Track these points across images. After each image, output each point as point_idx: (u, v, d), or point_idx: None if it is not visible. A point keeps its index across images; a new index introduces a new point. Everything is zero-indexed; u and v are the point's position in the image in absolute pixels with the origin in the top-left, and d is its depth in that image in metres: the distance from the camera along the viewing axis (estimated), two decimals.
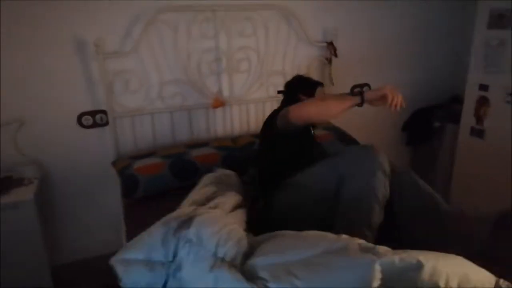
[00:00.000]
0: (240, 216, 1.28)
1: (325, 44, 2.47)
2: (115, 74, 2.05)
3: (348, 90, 2.71)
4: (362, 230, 1.34)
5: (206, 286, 0.98)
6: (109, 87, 2.04)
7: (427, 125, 2.87)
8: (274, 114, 1.70)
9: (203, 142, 2.19)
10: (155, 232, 1.16)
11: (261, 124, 2.44)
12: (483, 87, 2.39)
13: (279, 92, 1.92)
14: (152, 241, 1.13)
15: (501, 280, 1.02)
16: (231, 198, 1.36)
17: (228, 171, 1.71)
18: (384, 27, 2.70)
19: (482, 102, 2.40)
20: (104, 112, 2.07)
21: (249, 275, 0.98)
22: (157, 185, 1.87)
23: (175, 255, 1.08)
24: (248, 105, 2.43)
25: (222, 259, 1.02)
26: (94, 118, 2.08)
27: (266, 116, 2.44)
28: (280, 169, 1.66)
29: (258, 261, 1.00)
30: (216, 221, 1.13)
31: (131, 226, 1.68)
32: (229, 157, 2.07)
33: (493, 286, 0.99)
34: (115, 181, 1.99)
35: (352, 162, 1.44)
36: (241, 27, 2.27)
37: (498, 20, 2.29)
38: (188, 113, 2.27)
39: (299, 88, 1.80)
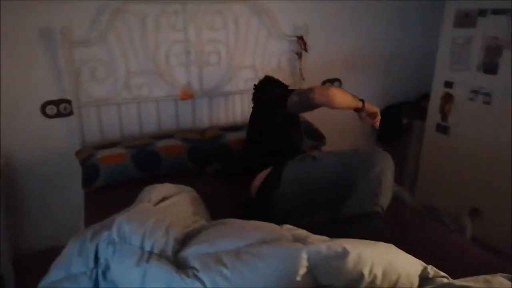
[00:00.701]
0: (176, 203, 1.29)
1: (295, 39, 2.49)
2: (81, 63, 2.05)
3: (319, 84, 2.73)
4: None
5: (134, 281, 0.98)
6: (75, 76, 2.03)
7: (397, 122, 2.92)
8: (269, 102, 1.81)
9: (169, 134, 2.20)
10: (70, 246, 1.15)
11: (230, 117, 2.49)
12: (448, 84, 2.44)
13: (255, 86, 2.02)
14: (68, 256, 1.12)
15: (429, 267, 1.06)
16: (159, 189, 1.36)
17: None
18: (355, 24, 2.72)
19: (447, 99, 2.46)
20: (68, 101, 2.07)
21: (182, 265, 0.99)
22: (119, 175, 1.88)
23: (97, 260, 1.08)
24: (218, 99, 2.45)
25: (150, 252, 1.01)
26: (58, 108, 2.07)
27: (235, 110, 2.50)
28: (266, 161, 1.69)
29: (192, 251, 1.01)
30: (139, 215, 1.12)
31: (90, 215, 1.70)
32: (195, 149, 2.08)
33: (419, 273, 1.03)
34: (80, 171, 1.99)
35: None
36: (211, 20, 2.27)
37: (464, 19, 2.34)
38: (156, 105, 2.28)
39: (273, 87, 1.93)
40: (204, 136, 2.24)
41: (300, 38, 2.47)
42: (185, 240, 1.08)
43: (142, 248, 1.03)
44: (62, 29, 1.92)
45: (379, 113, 1.64)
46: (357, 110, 1.62)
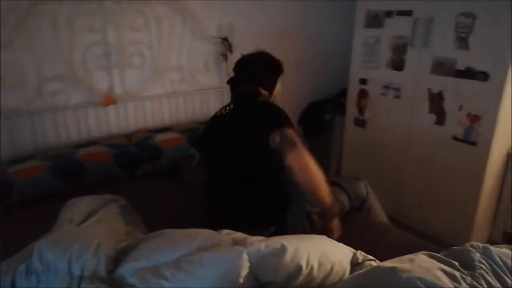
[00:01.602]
0: (104, 217, 1.23)
1: (220, 40, 2.50)
2: None
3: None
4: None
5: None
6: None
7: (321, 117, 3.09)
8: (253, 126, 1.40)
9: (93, 141, 2.09)
10: None
11: (158, 121, 2.42)
12: (363, 81, 2.64)
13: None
14: None
15: (358, 252, 1.15)
16: (81, 205, 1.29)
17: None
18: (278, 24, 2.82)
19: (363, 94, 2.66)
20: None
21: (119, 284, 0.95)
22: (37, 188, 1.75)
23: None
24: (144, 102, 2.36)
25: (81, 276, 0.96)
26: None
27: (163, 113, 2.44)
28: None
29: (128, 267, 0.97)
30: (62, 240, 1.05)
31: (7, 234, 1.54)
32: (122, 154, 2.02)
33: (350, 259, 1.11)
34: None
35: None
36: (131, 20, 2.18)
37: (373, 20, 2.54)
38: (75, 112, 2.13)
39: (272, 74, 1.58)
40: (131, 140, 2.17)
41: (225, 39, 2.49)
42: (119, 257, 1.03)
43: (70, 273, 0.96)
44: None
45: (333, 230, 1.37)
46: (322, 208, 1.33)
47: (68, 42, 2.01)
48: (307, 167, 1.26)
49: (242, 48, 2.61)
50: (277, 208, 1.40)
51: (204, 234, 1.08)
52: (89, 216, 1.30)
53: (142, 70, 2.30)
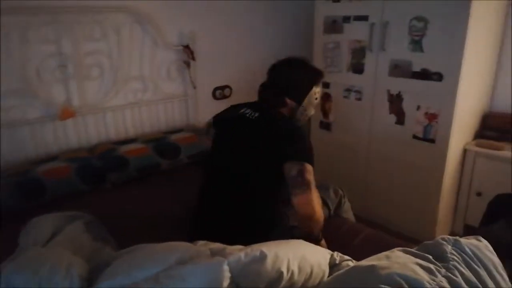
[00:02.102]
0: (70, 235, 1.17)
1: (181, 48, 2.47)
2: None
3: (210, 92, 2.76)
4: None
5: None
6: None
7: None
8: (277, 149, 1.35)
9: (52, 157, 1.98)
10: None
11: (121, 132, 2.34)
12: (325, 85, 2.70)
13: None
14: None
15: (335, 253, 1.17)
16: (44, 224, 1.23)
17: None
18: (239, 29, 2.82)
19: (326, 98, 2.72)
20: None
21: None
22: None
23: None
24: (106, 114, 2.28)
25: None
26: None
27: (126, 124, 2.36)
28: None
29: (104, 286, 0.92)
30: (29, 262, 1.00)
31: None
32: (84, 168, 1.94)
33: (328, 260, 1.12)
34: None
35: None
36: (88, 30, 2.10)
37: (332, 26, 2.61)
38: (32, 127, 2.01)
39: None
40: (93, 153, 2.09)
41: (186, 47, 2.46)
42: (92, 275, 0.98)
43: None
44: None
45: None
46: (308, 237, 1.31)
47: (21, 54, 1.90)
48: (312, 215, 1.28)
49: (205, 55, 2.63)
50: (265, 226, 1.39)
51: (182, 247, 1.06)
52: (54, 235, 1.24)
53: (102, 81, 2.22)
